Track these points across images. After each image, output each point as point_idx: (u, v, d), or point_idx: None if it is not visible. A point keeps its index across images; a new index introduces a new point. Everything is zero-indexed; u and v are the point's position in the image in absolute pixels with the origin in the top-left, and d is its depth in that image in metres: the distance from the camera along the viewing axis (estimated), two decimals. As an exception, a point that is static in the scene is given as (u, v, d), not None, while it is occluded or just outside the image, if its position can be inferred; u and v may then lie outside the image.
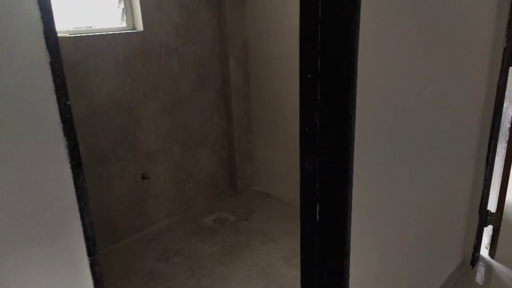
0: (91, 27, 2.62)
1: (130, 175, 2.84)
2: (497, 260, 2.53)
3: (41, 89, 0.59)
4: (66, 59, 2.39)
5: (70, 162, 0.64)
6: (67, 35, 2.41)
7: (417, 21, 1.41)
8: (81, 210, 0.67)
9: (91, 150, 2.60)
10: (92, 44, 2.50)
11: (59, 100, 0.60)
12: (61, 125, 0.62)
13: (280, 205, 3.34)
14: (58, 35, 2.34)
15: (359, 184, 1.37)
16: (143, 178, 2.90)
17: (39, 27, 0.61)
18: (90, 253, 0.68)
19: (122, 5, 2.71)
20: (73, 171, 0.64)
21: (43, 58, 0.61)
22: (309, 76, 1.30)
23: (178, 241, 2.89)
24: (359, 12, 1.12)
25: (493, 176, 2.40)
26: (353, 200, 1.39)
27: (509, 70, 2.12)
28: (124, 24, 2.76)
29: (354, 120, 1.26)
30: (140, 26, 2.73)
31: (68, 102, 0.62)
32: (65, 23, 2.49)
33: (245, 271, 2.54)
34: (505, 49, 2.06)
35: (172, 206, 3.15)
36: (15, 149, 0.59)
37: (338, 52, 1.19)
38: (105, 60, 2.57)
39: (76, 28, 2.55)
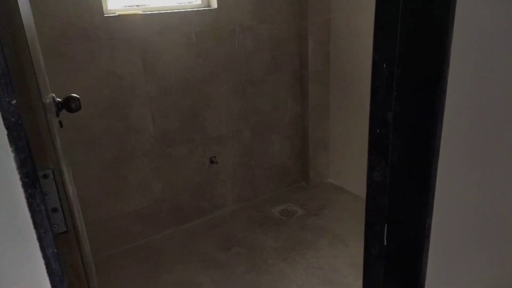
0: (170, 4, 2.55)
1: (198, 158, 2.78)
2: None
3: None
4: (137, 36, 2.36)
5: (21, 179, 0.50)
6: (140, 12, 2.36)
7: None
8: (40, 239, 0.53)
9: (160, 130, 2.58)
10: (165, 21, 2.43)
11: None
12: (6, 132, 0.47)
13: (356, 203, 3.02)
14: (131, 12, 2.31)
15: (442, 207, 1.06)
16: (211, 162, 2.82)
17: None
18: (55, 291, 0.55)
19: (197, -19, 2.59)
20: (26, 191, 0.50)
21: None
22: (384, 66, 1.01)
23: (241, 230, 2.78)
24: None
25: None
26: (432, 226, 1.08)
27: None
28: (199, 1, 2.65)
29: (441, 125, 0.95)
30: (214, 3, 2.59)
31: (13, 101, 0.47)
32: (143, 0, 2.46)
33: (308, 274, 2.33)
34: None
35: (239, 193, 3.05)
36: None
37: (424, 32, 0.87)
38: (177, 39, 2.49)
39: (156, 5, 2.50)
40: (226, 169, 2.93)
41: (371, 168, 1.19)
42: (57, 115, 1.25)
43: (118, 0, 2.39)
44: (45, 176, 0.61)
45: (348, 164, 3.15)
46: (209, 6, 2.63)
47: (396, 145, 1.05)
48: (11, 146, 0.49)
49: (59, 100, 1.26)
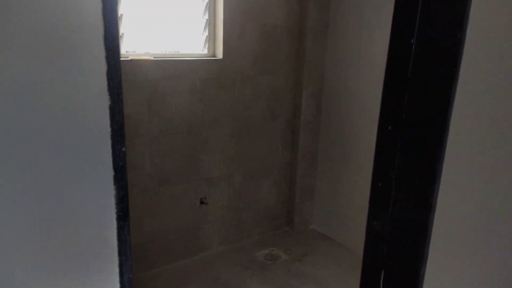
0: (178, 51, 2.73)
1: (190, 198, 2.85)
2: None
3: (96, 133, 0.56)
4: (147, 79, 2.50)
5: (117, 213, 0.59)
6: (151, 58, 2.52)
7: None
8: (121, 265, 0.62)
9: (156, 169, 2.65)
10: (173, 67, 2.59)
11: (114, 146, 0.56)
12: (113, 173, 0.58)
13: (339, 251, 3.12)
14: (143, 58, 2.47)
15: (438, 260, 1.18)
16: (201, 202, 2.89)
17: (103, 68, 0.58)
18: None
19: (206, 33, 2.79)
20: (118, 223, 0.59)
21: (102, 101, 0.58)
22: (389, 128, 1.17)
23: (227, 272, 2.80)
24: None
25: None
26: (425, 275, 1.20)
27: None
28: (205, 51, 2.84)
29: (438, 185, 1.09)
30: (220, 54, 2.79)
31: (123, 149, 0.58)
32: (154, 47, 2.63)
33: (293, 319, 2.36)
34: None
35: (226, 235, 3.10)
36: (62, 192, 0.56)
37: (430, 103, 1.04)
38: (183, 84, 2.65)
39: (165, 51, 2.67)
40: (215, 210, 2.99)
41: (371, 217, 1.31)
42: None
43: (128, 45, 2.55)
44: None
45: (333, 213, 3.27)
46: (214, 56, 2.83)
47: (397, 199, 1.19)
48: (114, 185, 0.59)
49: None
